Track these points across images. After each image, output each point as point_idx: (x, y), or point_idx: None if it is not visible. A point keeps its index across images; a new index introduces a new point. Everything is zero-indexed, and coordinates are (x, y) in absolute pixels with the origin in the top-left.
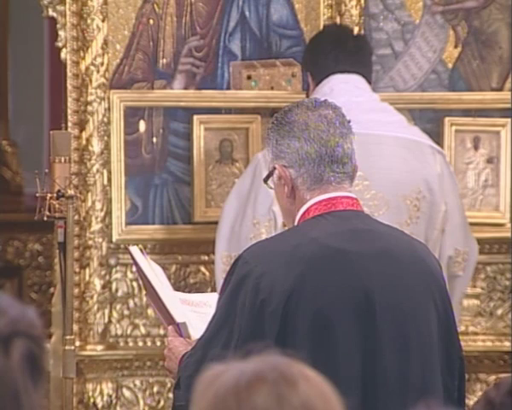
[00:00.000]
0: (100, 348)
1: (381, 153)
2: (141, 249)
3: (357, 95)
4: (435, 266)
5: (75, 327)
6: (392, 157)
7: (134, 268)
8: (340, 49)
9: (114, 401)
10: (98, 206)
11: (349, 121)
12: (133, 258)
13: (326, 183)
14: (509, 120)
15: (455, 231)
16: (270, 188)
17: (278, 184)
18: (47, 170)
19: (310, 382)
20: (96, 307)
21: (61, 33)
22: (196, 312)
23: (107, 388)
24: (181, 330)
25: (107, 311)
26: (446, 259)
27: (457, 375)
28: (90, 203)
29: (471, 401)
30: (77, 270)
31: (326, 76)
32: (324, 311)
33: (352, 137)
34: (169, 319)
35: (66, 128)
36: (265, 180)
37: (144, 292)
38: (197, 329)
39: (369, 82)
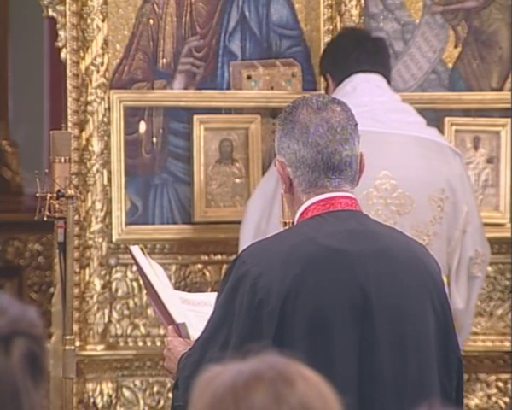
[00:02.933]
0: (100, 348)
1: (405, 152)
2: (142, 249)
3: (379, 94)
4: (433, 266)
5: (75, 327)
6: (416, 157)
7: (135, 268)
8: (360, 50)
9: (114, 401)
10: (98, 206)
11: (355, 125)
12: (134, 257)
13: (321, 187)
14: (509, 120)
15: (476, 232)
16: None
17: (279, 177)
18: (47, 170)
19: (308, 381)
20: (96, 307)
21: (61, 33)
22: (196, 311)
23: (107, 388)
24: (180, 330)
25: (107, 311)
26: (467, 260)
27: (455, 376)
28: (90, 203)
29: (471, 401)
30: (77, 270)
31: (348, 75)
32: (322, 311)
33: (357, 140)
34: (169, 319)
35: (66, 128)
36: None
37: (144, 292)
38: (197, 329)
39: (389, 82)
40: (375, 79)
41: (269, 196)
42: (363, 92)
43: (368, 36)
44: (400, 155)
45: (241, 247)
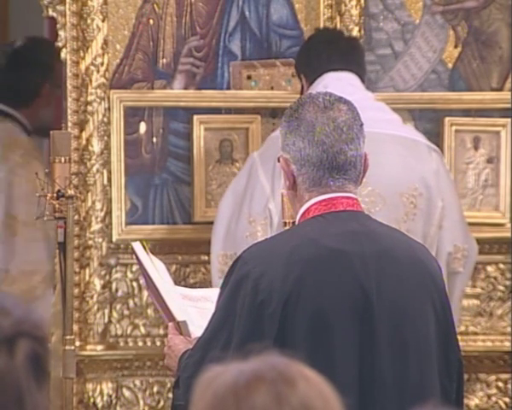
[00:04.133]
0: (100, 348)
1: (378, 150)
2: (143, 244)
3: (351, 92)
4: (434, 267)
5: (75, 327)
6: (389, 154)
7: (135, 268)
8: (332, 49)
9: (114, 401)
10: (98, 206)
11: (361, 125)
12: (135, 254)
13: (325, 186)
14: (509, 120)
15: (454, 227)
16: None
17: (283, 173)
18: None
19: (309, 382)
20: (96, 307)
21: (61, 33)
22: (197, 307)
23: (107, 388)
24: (181, 328)
25: (107, 311)
26: (446, 255)
27: (456, 377)
28: (90, 203)
29: (471, 401)
30: (77, 270)
31: (319, 75)
32: (323, 312)
33: (362, 140)
34: (170, 315)
35: (66, 128)
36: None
37: (145, 292)
38: (198, 326)
39: (363, 81)
40: (347, 78)
41: (239, 195)
42: (334, 91)
43: (341, 35)
44: (373, 152)
45: (212, 248)
